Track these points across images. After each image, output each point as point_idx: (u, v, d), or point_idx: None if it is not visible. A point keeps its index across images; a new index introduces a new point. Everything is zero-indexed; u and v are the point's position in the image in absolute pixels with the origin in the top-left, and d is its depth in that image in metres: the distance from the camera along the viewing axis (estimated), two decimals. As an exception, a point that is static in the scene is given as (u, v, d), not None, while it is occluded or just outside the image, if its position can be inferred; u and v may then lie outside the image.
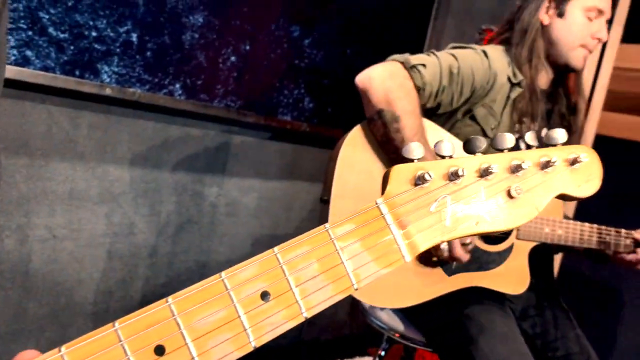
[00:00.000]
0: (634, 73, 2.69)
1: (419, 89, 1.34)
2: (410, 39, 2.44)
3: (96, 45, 1.66)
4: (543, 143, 0.63)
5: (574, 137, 1.61)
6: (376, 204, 0.55)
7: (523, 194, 0.58)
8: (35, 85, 1.58)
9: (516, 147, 0.62)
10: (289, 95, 2.13)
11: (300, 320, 0.49)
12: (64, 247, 1.75)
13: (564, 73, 1.59)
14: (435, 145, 0.59)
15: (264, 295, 0.49)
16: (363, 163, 1.36)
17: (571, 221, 1.49)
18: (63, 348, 0.44)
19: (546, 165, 0.60)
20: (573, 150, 0.61)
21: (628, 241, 1.52)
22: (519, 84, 1.48)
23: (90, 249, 1.81)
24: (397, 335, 1.56)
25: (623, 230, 1.52)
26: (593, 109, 2.77)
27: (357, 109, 2.30)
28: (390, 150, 1.34)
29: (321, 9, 2.13)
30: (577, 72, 1.59)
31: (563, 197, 0.62)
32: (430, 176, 0.55)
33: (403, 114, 1.29)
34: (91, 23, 1.64)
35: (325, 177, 1.41)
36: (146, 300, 1.97)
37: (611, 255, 1.54)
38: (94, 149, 1.75)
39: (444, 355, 1.42)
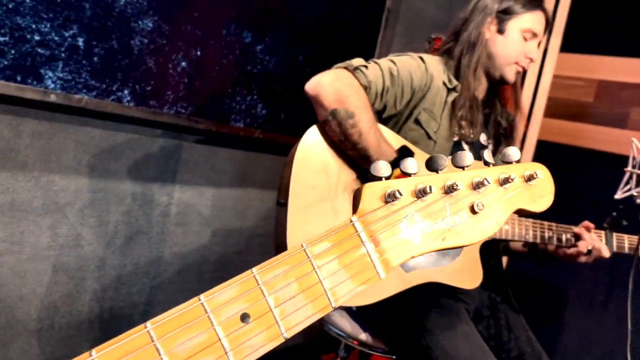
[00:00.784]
0: (572, 81, 2.81)
1: (365, 88, 1.42)
2: (361, 46, 2.46)
3: (39, 50, 1.59)
4: (483, 159, 0.64)
5: (511, 144, 1.72)
6: (351, 221, 0.55)
7: (485, 209, 0.60)
8: (-27, 91, 1.49)
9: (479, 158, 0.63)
10: (242, 102, 2.11)
11: (280, 341, 0.48)
12: (4, 261, 1.66)
13: (497, 84, 1.70)
14: (400, 164, 0.59)
15: (244, 317, 0.48)
16: (319, 163, 1.39)
17: (517, 217, 1.56)
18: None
19: (505, 181, 0.62)
20: (529, 167, 0.64)
21: (569, 235, 1.63)
22: (454, 89, 1.58)
23: (34, 263, 1.72)
24: (355, 342, 1.56)
25: (564, 225, 1.62)
26: (535, 115, 2.87)
27: (311, 116, 2.30)
28: (348, 147, 1.38)
29: (273, 15, 2.12)
30: (511, 85, 1.72)
31: (520, 212, 0.64)
32: (400, 194, 0.56)
33: (356, 109, 1.35)
34: (34, 26, 1.57)
35: (280, 181, 1.42)
36: (94, 314, 1.90)
37: (554, 250, 1.62)
38: (38, 157, 1.67)
39: (407, 356, 1.43)
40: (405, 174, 0.59)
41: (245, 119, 2.13)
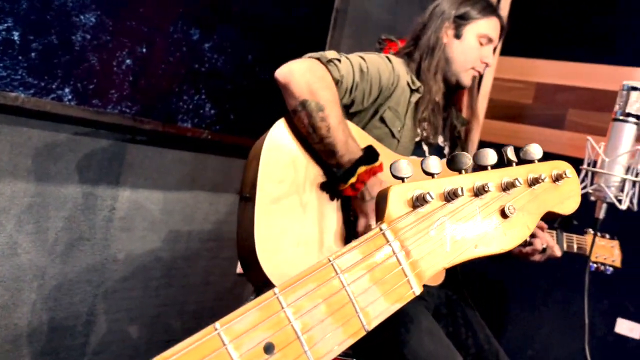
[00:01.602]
0: (511, 84, 2.90)
1: (337, 82, 1.40)
2: (311, 46, 2.43)
3: (-29, 43, 1.46)
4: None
5: (466, 148, 1.75)
6: (380, 230, 0.49)
7: (516, 212, 0.56)
8: None
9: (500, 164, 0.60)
10: (189, 101, 2.03)
11: None
12: None
13: (454, 89, 1.72)
14: (423, 162, 0.56)
15: (268, 348, 0.42)
16: (287, 157, 1.36)
17: None
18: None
19: (534, 182, 0.59)
20: (556, 166, 0.61)
21: None
22: (417, 90, 1.59)
23: (-35, 275, 1.59)
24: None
25: None
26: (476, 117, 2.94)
27: (261, 115, 2.24)
28: (315, 141, 1.35)
29: (221, 13, 2.06)
30: (467, 90, 1.76)
31: (547, 215, 0.61)
32: (431, 197, 0.51)
33: (327, 103, 1.33)
34: (-36, 18, 1.44)
35: (245, 174, 1.38)
36: (33, 327, 1.77)
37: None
38: (-31, 160, 1.54)
39: (371, 356, 1.42)
40: (427, 174, 0.55)
41: (193, 119, 2.06)
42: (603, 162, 1.29)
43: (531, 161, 0.60)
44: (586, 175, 1.39)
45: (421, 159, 1.61)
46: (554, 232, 1.69)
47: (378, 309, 0.48)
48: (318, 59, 1.39)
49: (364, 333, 0.47)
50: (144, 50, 1.86)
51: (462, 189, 0.53)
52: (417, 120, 1.59)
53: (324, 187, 1.39)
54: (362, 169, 1.34)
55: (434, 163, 0.55)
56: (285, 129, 1.38)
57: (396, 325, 1.35)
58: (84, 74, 1.72)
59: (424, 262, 0.51)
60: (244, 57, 2.18)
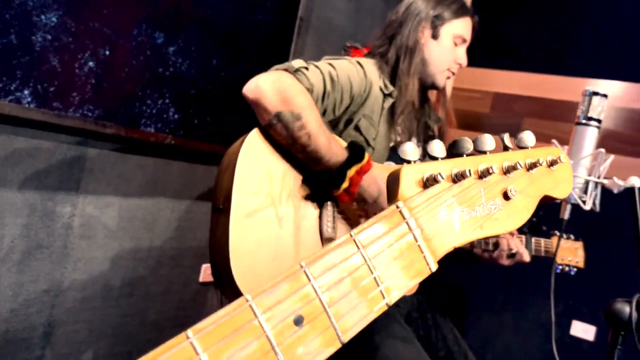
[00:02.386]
0: (469, 93, 2.98)
1: (308, 90, 1.35)
2: (275, 53, 2.43)
3: None
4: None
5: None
6: (397, 207, 0.50)
7: (517, 195, 0.58)
8: None
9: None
10: (153, 105, 1.99)
11: (337, 346, 0.43)
12: None
13: (427, 89, 1.72)
14: (427, 146, 0.57)
15: (298, 320, 0.42)
16: (262, 169, 1.32)
17: None
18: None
19: (532, 166, 0.61)
20: (551, 152, 0.63)
21: (494, 239, 1.67)
22: (390, 95, 1.56)
23: None
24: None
25: None
26: (435, 125, 3.01)
27: (226, 121, 2.23)
28: (298, 150, 1.31)
29: (186, 17, 2.03)
30: (440, 90, 1.75)
31: (544, 199, 0.63)
32: (442, 177, 0.52)
33: (302, 110, 1.28)
34: None
35: (218, 185, 1.34)
36: (-14, 340, 1.69)
37: (480, 253, 1.67)
38: None
39: (346, 364, 1.41)
40: (432, 158, 0.56)
41: (156, 123, 2.02)
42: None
43: (525, 148, 0.63)
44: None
45: (394, 166, 1.60)
46: (523, 236, 1.73)
47: (397, 284, 0.49)
48: (285, 69, 1.35)
49: (385, 308, 0.48)
50: (107, 52, 1.81)
51: (469, 170, 0.54)
52: (392, 125, 1.57)
53: (301, 199, 1.35)
54: (352, 171, 1.31)
55: (438, 147, 0.56)
56: (261, 139, 1.34)
57: (370, 333, 1.35)
58: (45, 75, 1.66)
59: (437, 241, 0.52)
60: (209, 62, 2.16)
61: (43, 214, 1.79)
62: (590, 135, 1.24)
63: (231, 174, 1.26)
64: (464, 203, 0.55)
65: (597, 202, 1.26)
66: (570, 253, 1.83)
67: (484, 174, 0.57)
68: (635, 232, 1.18)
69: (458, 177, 0.55)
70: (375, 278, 0.48)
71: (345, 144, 1.37)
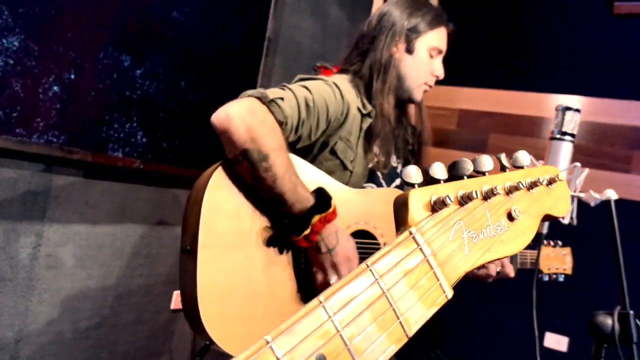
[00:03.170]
0: (436, 110, 3.02)
1: (281, 123, 1.28)
2: (244, 73, 2.42)
3: None
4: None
5: (420, 161, 1.71)
6: (411, 233, 0.49)
7: (521, 215, 0.57)
8: None
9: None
10: (120, 130, 1.94)
11: None
12: None
13: (404, 104, 1.68)
14: (429, 169, 0.55)
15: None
16: (230, 205, 1.24)
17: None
18: None
19: (533, 185, 0.60)
20: (548, 171, 0.63)
21: None
22: (368, 115, 1.51)
23: None
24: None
25: None
26: (403, 143, 3.04)
27: (195, 143, 2.19)
28: (261, 190, 1.25)
29: (153, 39, 2.00)
30: (417, 104, 1.70)
31: (545, 218, 0.62)
32: (450, 200, 0.51)
33: (271, 152, 1.21)
34: None
35: (185, 222, 1.27)
36: (-54, 382, 1.59)
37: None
38: None
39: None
40: (434, 180, 0.55)
41: (124, 148, 1.97)
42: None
43: (521, 167, 0.63)
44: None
45: (374, 190, 1.56)
46: None
47: (416, 315, 0.47)
48: (258, 98, 1.26)
49: (406, 340, 0.46)
50: (72, 76, 1.76)
51: (475, 192, 0.54)
52: (370, 146, 1.52)
53: (272, 238, 1.28)
54: (315, 219, 1.25)
55: (439, 169, 0.55)
56: (228, 174, 1.26)
57: None
58: (7, 101, 1.60)
59: (449, 266, 0.51)
60: (177, 84, 2.12)
61: (6, 244, 1.71)
62: (565, 150, 1.26)
63: (197, 212, 1.19)
64: (471, 226, 0.54)
65: (574, 215, 1.28)
66: (557, 261, 1.84)
67: (488, 195, 0.57)
68: (613, 245, 1.20)
69: (464, 200, 0.54)
70: (394, 309, 0.46)
71: (314, 185, 1.31)
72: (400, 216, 0.53)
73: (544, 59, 2.83)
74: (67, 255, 1.90)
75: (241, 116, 1.21)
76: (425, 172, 0.56)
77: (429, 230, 0.52)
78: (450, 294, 0.50)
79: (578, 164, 1.20)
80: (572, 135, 1.28)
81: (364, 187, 1.55)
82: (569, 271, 1.88)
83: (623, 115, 2.66)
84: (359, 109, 1.50)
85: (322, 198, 1.28)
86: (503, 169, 0.63)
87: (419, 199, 0.53)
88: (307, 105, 1.35)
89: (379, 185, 1.60)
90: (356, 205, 1.45)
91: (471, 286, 2.62)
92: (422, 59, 1.58)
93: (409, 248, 0.50)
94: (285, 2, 2.65)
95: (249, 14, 2.40)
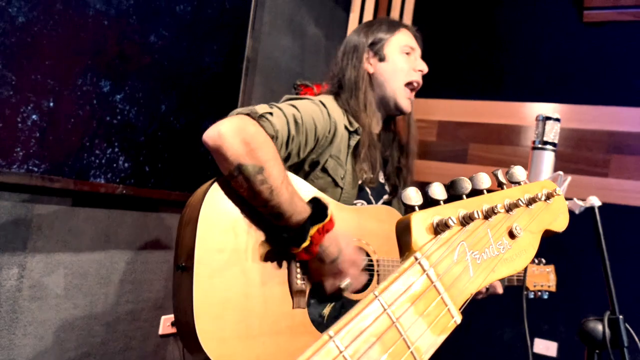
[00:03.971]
0: (415, 123, 3.05)
1: (272, 137, 1.29)
2: (224, 94, 2.42)
3: None
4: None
5: (408, 177, 1.72)
6: (416, 259, 0.48)
7: (523, 232, 0.57)
8: None
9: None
10: (102, 156, 1.92)
11: None
12: None
13: (392, 117, 1.70)
14: (428, 189, 0.55)
15: None
16: (226, 222, 1.24)
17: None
18: None
19: (531, 201, 0.60)
20: (545, 185, 0.63)
21: None
22: (356, 132, 1.53)
23: None
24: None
25: None
26: (385, 156, 3.06)
27: (178, 166, 2.18)
28: (259, 204, 1.25)
29: (132, 63, 1.99)
30: (406, 115, 1.71)
31: (545, 234, 0.62)
32: (453, 222, 0.51)
33: (265, 163, 1.22)
34: None
35: (180, 241, 1.27)
36: None
37: None
38: None
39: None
40: (433, 201, 0.55)
41: (106, 174, 1.95)
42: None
43: (517, 183, 0.63)
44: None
45: (364, 207, 1.56)
46: None
47: (427, 343, 0.46)
48: (248, 114, 1.28)
49: None
50: (51, 104, 1.75)
51: (477, 212, 0.53)
52: (358, 163, 1.53)
53: (268, 253, 1.28)
54: (313, 230, 1.25)
55: (438, 189, 0.55)
56: (223, 189, 1.26)
57: None
58: (-15, 131, 1.58)
59: (456, 290, 0.50)
60: (157, 107, 2.11)
61: (-12, 278, 1.67)
62: (547, 159, 1.28)
63: (193, 229, 1.19)
64: (474, 246, 0.54)
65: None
66: (542, 278, 1.86)
67: (489, 214, 0.56)
68: (600, 250, 1.21)
69: (466, 220, 0.54)
70: (404, 339, 0.45)
71: (307, 199, 1.31)
72: (404, 241, 0.52)
73: (519, 68, 2.89)
74: (51, 286, 1.87)
75: (233, 132, 1.22)
76: (424, 193, 0.56)
77: (433, 253, 0.51)
78: (459, 318, 0.50)
79: (561, 172, 1.22)
80: (554, 145, 1.30)
81: (354, 204, 1.56)
82: (553, 288, 1.89)
83: (598, 121, 2.71)
84: (345, 127, 1.52)
85: (318, 208, 1.29)
86: (500, 185, 0.63)
87: (421, 222, 0.52)
88: (295, 121, 1.36)
89: (368, 201, 1.61)
90: (348, 222, 1.46)
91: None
92: (397, 60, 1.62)
93: (415, 274, 0.49)
94: (263, 22, 2.66)
95: (227, 34, 2.40)
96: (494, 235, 0.56)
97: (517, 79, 2.88)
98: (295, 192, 1.28)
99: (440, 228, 0.52)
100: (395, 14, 3.07)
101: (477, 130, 2.89)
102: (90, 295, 2.00)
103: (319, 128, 1.43)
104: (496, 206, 0.56)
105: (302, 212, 1.26)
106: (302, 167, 1.48)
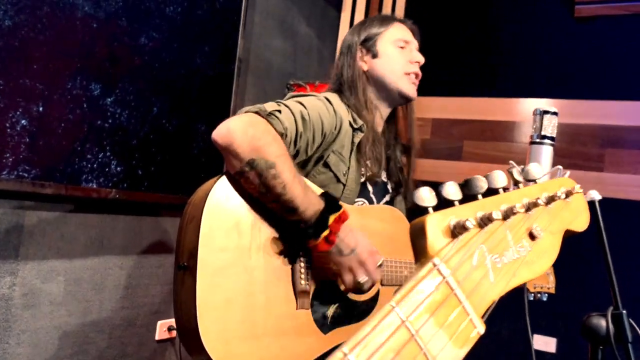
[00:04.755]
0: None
1: (281, 135, 1.28)
2: (216, 96, 2.39)
3: None
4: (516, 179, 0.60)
5: (411, 175, 1.71)
6: (434, 265, 0.45)
7: (543, 233, 0.54)
8: None
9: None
10: (93, 160, 1.90)
11: None
12: None
13: (398, 106, 1.68)
14: (442, 189, 0.53)
15: None
16: (230, 220, 1.22)
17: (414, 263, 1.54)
18: None
19: (551, 200, 0.57)
20: (564, 183, 0.60)
21: None
22: (360, 129, 1.52)
23: None
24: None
25: None
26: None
27: (171, 169, 2.15)
28: (270, 200, 1.23)
29: (122, 66, 1.97)
30: (407, 113, 1.70)
31: (566, 233, 0.60)
32: (472, 224, 0.48)
33: (277, 158, 1.21)
34: None
35: (182, 240, 1.24)
36: None
37: None
38: None
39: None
40: (448, 202, 0.52)
41: (98, 178, 1.92)
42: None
43: (533, 180, 0.60)
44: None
45: (367, 206, 1.54)
46: None
47: (449, 356, 0.43)
48: (257, 112, 1.27)
49: None
50: (41, 108, 1.72)
51: (495, 212, 0.50)
52: (362, 159, 1.52)
53: (271, 252, 1.27)
54: (331, 219, 1.24)
55: (452, 189, 0.52)
56: (227, 189, 1.24)
57: None
58: (-27, 138, 1.55)
59: (477, 296, 0.47)
60: (149, 110, 2.09)
61: (-20, 287, 1.64)
62: (545, 153, 1.27)
63: (196, 228, 1.17)
64: (494, 249, 0.50)
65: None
66: (542, 280, 1.84)
67: (507, 215, 0.53)
68: (602, 245, 1.20)
69: (484, 221, 0.50)
70: (425, 354, 0.42)
71: (319, 192, 1.31)
72: (419, 245, 0.48)
73: (512, 65, 2.88)
74: (44, 293, 1.84)
75: (243, 128, 1.21)
76: (437, 193, 0.53)
77: (451, 258, 0.47)
78: (482, 328, 0.46)
79: (560, 167, 1.20)
80: (552, 139, 1.29)
81: (355, 202, 1.55)
82: (552, 290, 1.88)
83: (592, 115, 2.71)
84: (350, 124, 1.51)
85: (331, 200, 1.29)
86: (516, 183, 0.60)
87: (436, 224, 0.48)
88: (303, 118, 1.35)
89: (370, 199, 1.59)
90: (352, 221, 1.44)
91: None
92: (391, 54, 1.61)
93: (434, 281, 0.46)
94: (254, 22, 2.64)
95: (218, 35, 2.38)
96: (514, 237, 0.53)
97: (510, 75, 2.87)
98: (308, 186, 1.28)
99: (457, 230, 0.49)
100: (386, 12, 3.06)
101: (471, 127, 2.88)
102: (85, 302, 1.97)
103: (326, 124, 1.42)
104: (515, 206, 0.53)
105: (316, 204, 1.26)
106: (307, 165, 1.47)
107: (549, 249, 0.56)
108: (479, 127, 2.87)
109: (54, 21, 1.73)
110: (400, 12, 3.03)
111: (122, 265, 2.10)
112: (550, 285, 1.86)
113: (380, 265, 1.36)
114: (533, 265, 0.54)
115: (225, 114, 2.41)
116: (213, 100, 2.36)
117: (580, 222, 0.62)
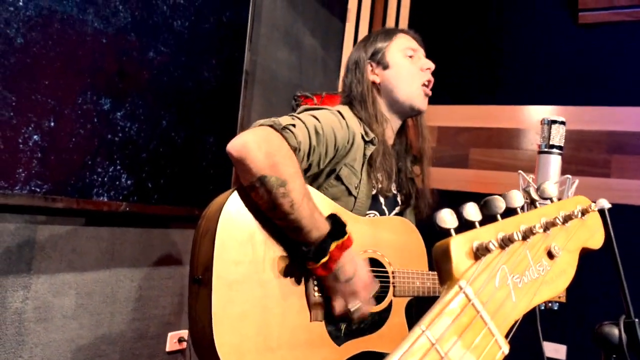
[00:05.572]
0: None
1: (295, 149, 1.29)
2: (224, 108, 2.41)
3: None
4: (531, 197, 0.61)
5: (425, 184, 1.71)
6: (461, 288, 0.46)
7: (561, 252, 0.55)
8: None
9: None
10: (104, 174, 1.91)
11: None
12: None
13: (409, 119, 1.69)
14: (462, 210, 0.54)
15: None
16: (244, 234, 1.24)
17: (425, 272, 1.55)
18: None
19: (567, 219, 0.58)
20: (579, 202, 0.61)
21: None
22: (371, 142, 1.53)
23: None
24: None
25: None
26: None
27: (180, 181, 2.17)
28: (277, 217, 1.24)
29: (131, 80, 1.99)
30: (418, 123, 1.71)
31: (582, 251, 0.61)
32: (494, 246, 0.49)
33: (289, 177, 1.22)
34: None
35: (196, 253, 1.26)
36: None
37: None
38: None
39: None
40: (469, 223, 0.53)
41: (109, 192, 1.93)
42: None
43: (549, 199, 0.61)
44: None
45: (379, 218, 1.55)
46: None
47: None
48: (271, 126, 1.28)
49: None
50: (52, 124, 1.74)
51: (516, 233, 0.51)
52: (373, 172, 1.53)
53: (286, 266, 1.28)
54: (333, 246, 1.24)
55: (472, 210, 0.53)
56: (241, 202, 1.25)
57: None
58: (-13, 154, 1.57)
59: (500, 317, 0.48)
60: (158, 123, 2.11)
61: (-6, 301, 1.66)
62: (554, 163, 1.28)
63: (210, 241, 1.19)
64: (515, 270, 0.51)
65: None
66: None
67: (527, 235, 0.54)
68: (612, 253, 1.20)
69: (505, 242, 0.51)
70: None
71: (325, 215, 1.30)
72: (444, 268, 0.49)
73: (516, 72, 2.89)
74: (57, 306, 1.85)
75: (258, 144, 1.22)
76: (458, 215, 0.54)
77: (476, 280, 0.48)
78: (506, 349, 0.47)
79: (569, 176, 1.22)
80: (560, 148, 1.30)
81: (367, 214, 1.55)
82: (563, 299, 1.87)
83: (598, 121, 2.71)
84: (362, 136, 1.52)
85: (337, 225, 1.28)
86: (533, 203, 0.61)
87: (460, 246, 0.49)
88: (316, 132, 1.36)
89: (381, 212, 1.60)
90: (364, 233, 1.45)
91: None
92: (402, 64, 1.62)
93: (460, 304, 0.47)
94: (260, 34, 2.67)
95: (225, 48, 2.40)
96: (534, 256, 0.54)
97: (515, 82, 2.88)
98: (316, 208, 1.28)
99: (480, 252, 0.49)
100: (390, 22, 3.08)
101: (477, 135, 2.89)
102: (97, 315, 1.98)
103: (339, 138, 1.43)
104: (534, 226, 0.54)
105: (321, 227, 1.25)
106: (319, 177, 1.48)
107: (567, 267, 0.57)
108: (484, 134, 2.88)
109: (64, 38, 1.76)
110: (404, 21, 3.05)
111: (132, 277, 2.11)
112: (561, 294, 1.86)
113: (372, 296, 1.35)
114: (553, 284, 0.55)
115: (232, 126, 2.44)
116: (221, 113, 2.38)
117: (596, 240, 0.63)
